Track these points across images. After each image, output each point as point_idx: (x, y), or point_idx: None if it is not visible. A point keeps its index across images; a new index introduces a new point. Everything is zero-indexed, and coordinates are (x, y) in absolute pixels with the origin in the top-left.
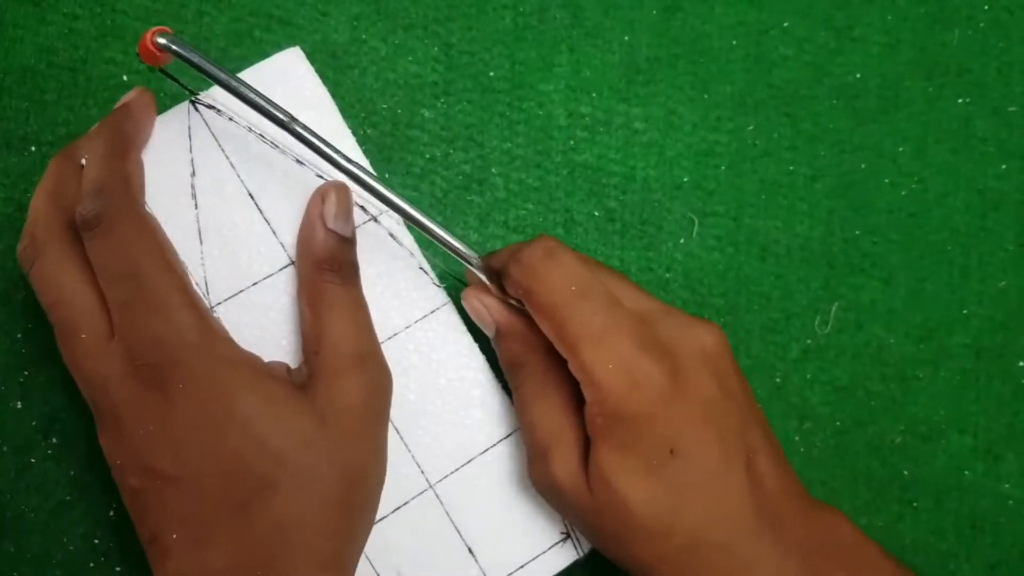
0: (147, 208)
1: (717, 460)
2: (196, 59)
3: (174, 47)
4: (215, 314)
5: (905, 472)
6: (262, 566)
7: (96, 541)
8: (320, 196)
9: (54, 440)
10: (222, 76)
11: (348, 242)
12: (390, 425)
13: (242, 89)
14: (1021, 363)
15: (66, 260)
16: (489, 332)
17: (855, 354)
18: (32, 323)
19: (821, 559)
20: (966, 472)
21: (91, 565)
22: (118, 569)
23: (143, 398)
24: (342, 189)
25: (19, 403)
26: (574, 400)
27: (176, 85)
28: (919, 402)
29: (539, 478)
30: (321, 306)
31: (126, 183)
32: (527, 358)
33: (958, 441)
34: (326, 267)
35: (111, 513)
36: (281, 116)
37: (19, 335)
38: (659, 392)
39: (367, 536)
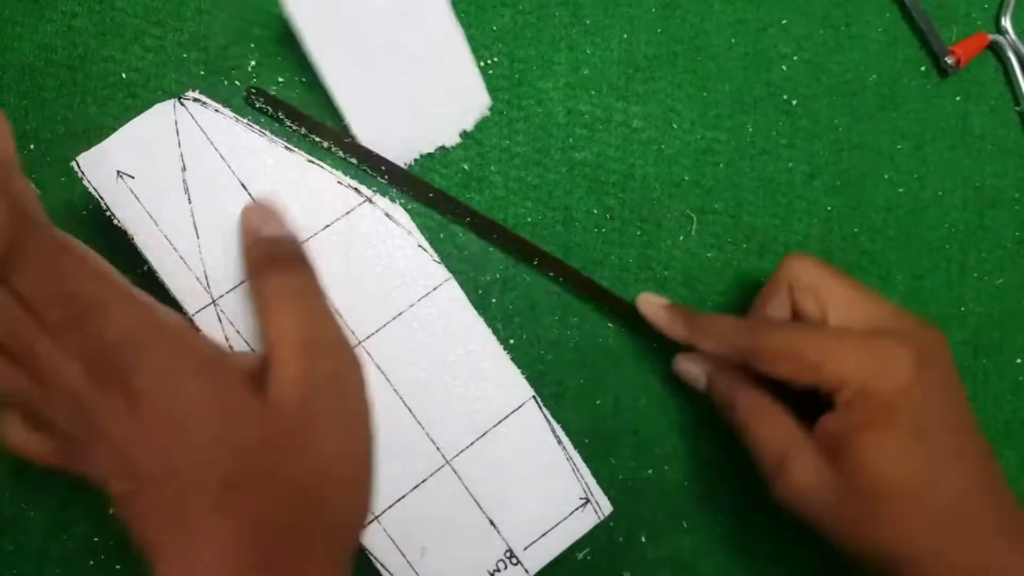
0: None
1: (957, 445)
2: None
3: None
4: (218, 307)
5: None
6: (244, 565)
7: (95, 539)
8: (247, 212)
9: None
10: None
11: (280, 240)
12: (402, 404)
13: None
14: (1019, 360)
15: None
16: (700, 386)
17: None
18: None
19: None
20: None
21: (90, 563)
22: (117, 567)
23: (110, 404)
24: (261, 201)
25: None
26: (793, 417)
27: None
28: None
29: (783, 486)
30: (264, 303)
31: (20, 212)
32: (737, 393)
33: None
34: (264, 266)
35: (110, 511)
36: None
37: None
38: (907, 370)
39: (355, 535)
